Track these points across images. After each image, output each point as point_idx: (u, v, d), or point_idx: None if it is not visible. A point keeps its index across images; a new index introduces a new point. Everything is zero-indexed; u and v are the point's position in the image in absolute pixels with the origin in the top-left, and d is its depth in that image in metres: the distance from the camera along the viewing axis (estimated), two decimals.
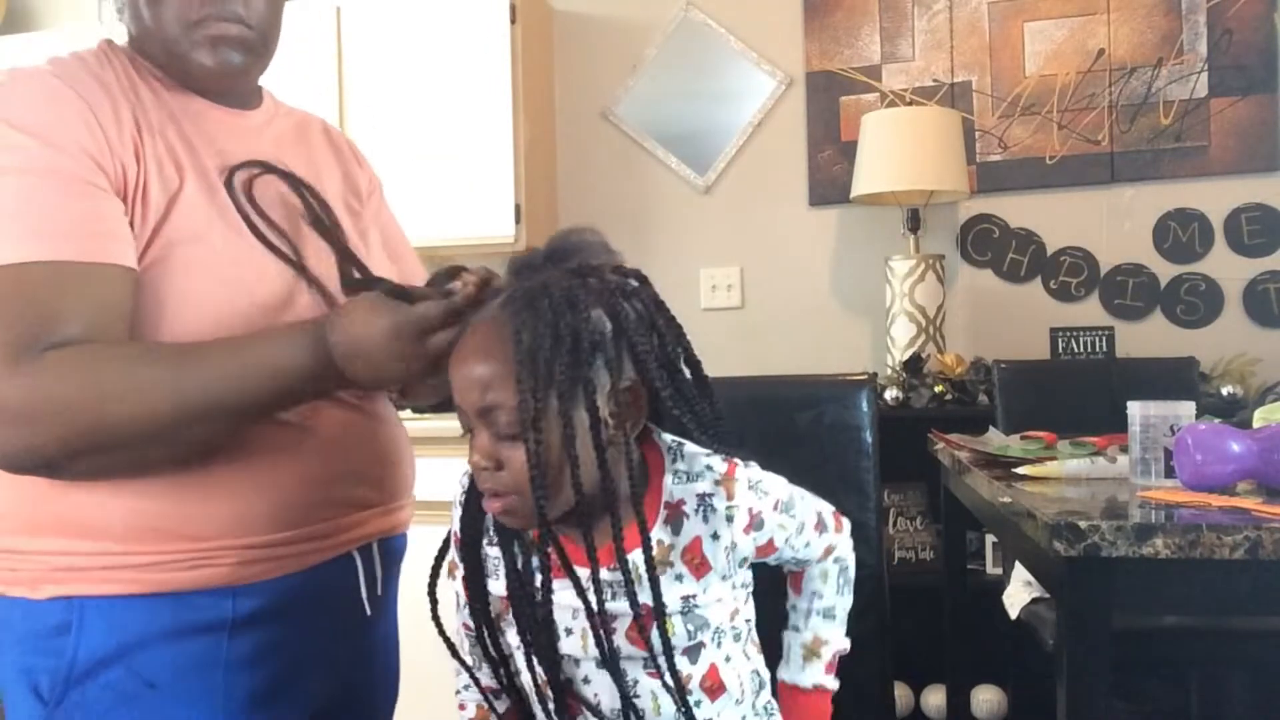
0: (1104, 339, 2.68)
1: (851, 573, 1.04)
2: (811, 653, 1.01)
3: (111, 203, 0.89)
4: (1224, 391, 2.44)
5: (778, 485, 0.94)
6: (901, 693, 2.56)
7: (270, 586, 0.96)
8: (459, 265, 0.94)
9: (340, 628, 1.05)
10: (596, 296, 0.83)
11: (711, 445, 0.92)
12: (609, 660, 0.86)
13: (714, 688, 0.91)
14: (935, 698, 2.57)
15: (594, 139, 3.15)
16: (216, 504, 0.93)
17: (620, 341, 0.84)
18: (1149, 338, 2.76)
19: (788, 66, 3.02)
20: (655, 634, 0.85)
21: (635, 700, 0.89)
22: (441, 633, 0.94)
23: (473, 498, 0.91)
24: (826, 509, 1.00)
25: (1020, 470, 1.39)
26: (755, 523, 0.90)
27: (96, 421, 0.84)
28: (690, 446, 0.91)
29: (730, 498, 0.88)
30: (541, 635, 0.87)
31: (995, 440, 1.61)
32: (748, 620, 0.95)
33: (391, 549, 1.12)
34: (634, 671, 0.89)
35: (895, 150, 2.64)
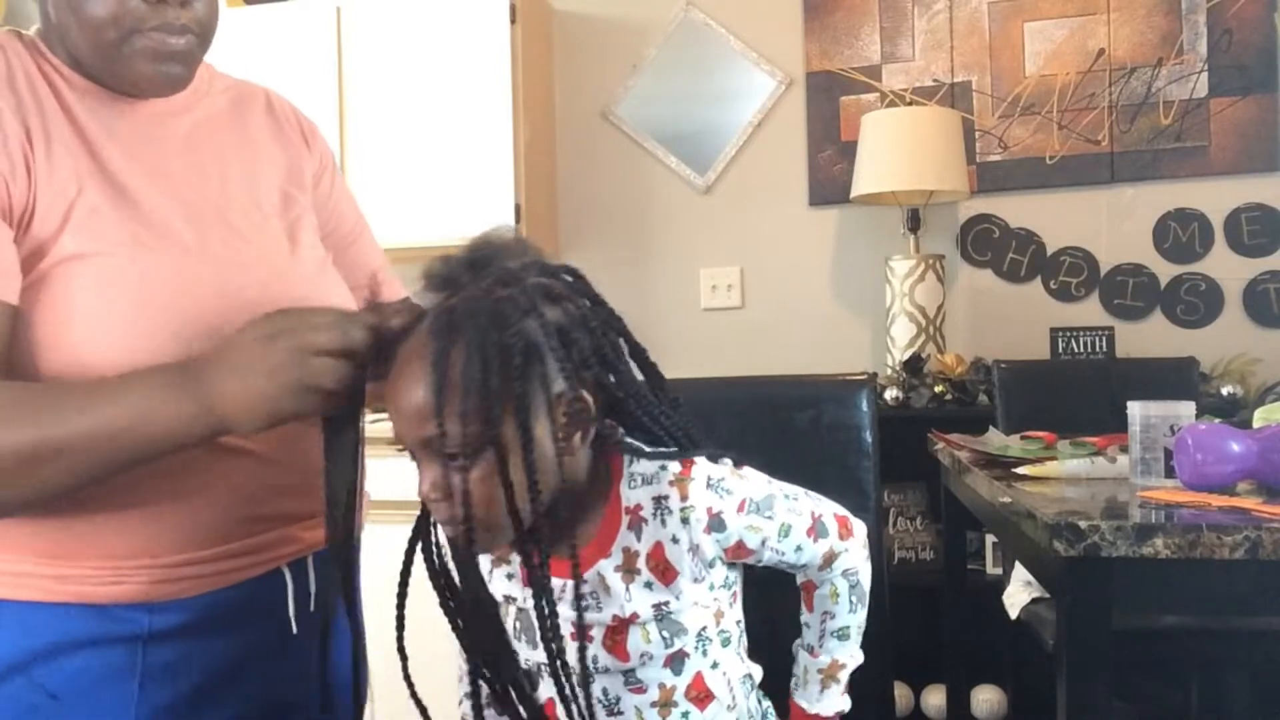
0: (1104, 339, 2.68)
1: (865, 586, 0.99)
2: (830, 678, 1.00)
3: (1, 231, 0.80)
4: (1224, 391, 2.44)
5: (749, 485, 0.89)
6: (901, 693, 2.56)
7: (191, 603, 0.90)
8: (379, 304, 0.85)
9: (267, 644, 0.98)
10: (521, 307, 0.79)
11: (671, 441, 0.88)
12: (582, 674, 0.84)
13: (702, 696, 0.89)
14: (935, 698, 2.57)
15: (594, 139, 3.15)
16: (132, 523, 0.87)
17: (555, 349, 0.79)
18: (1149, 338, 2.76)
19: (788, 66, 3.02)
20: (632, 640, 0.84)
21: (619, 717, 0.88)
22: (402, 649, 0.91)
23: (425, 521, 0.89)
24: (829, 512, 0.96)
25: (1020, 470, 1.39)
26: (715, 523, 0.86)
27: None
28: (649, 451, 0.88)
29: (684, 498, 0.85)
30: (553, 643, 0.83)
31: (995, 440, 1.61)
32: (738, 622, 0.93)
33: (330, 558, 1.02)
34: (614, 688, 0.88)
35: (895, 150, 2.63)
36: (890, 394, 2.52)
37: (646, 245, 3.10)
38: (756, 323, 3.03)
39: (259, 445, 0.92)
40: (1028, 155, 2.86)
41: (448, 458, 0.77)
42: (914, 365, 2.60)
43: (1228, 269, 2.75)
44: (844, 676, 1.00)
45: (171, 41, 0.90)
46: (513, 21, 2.85)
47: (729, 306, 3.06)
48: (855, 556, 0.97)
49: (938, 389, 2.54)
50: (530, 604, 0.84)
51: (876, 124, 2.69)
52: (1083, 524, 1.00)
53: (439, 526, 0.87)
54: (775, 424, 1.41)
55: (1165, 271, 2.79)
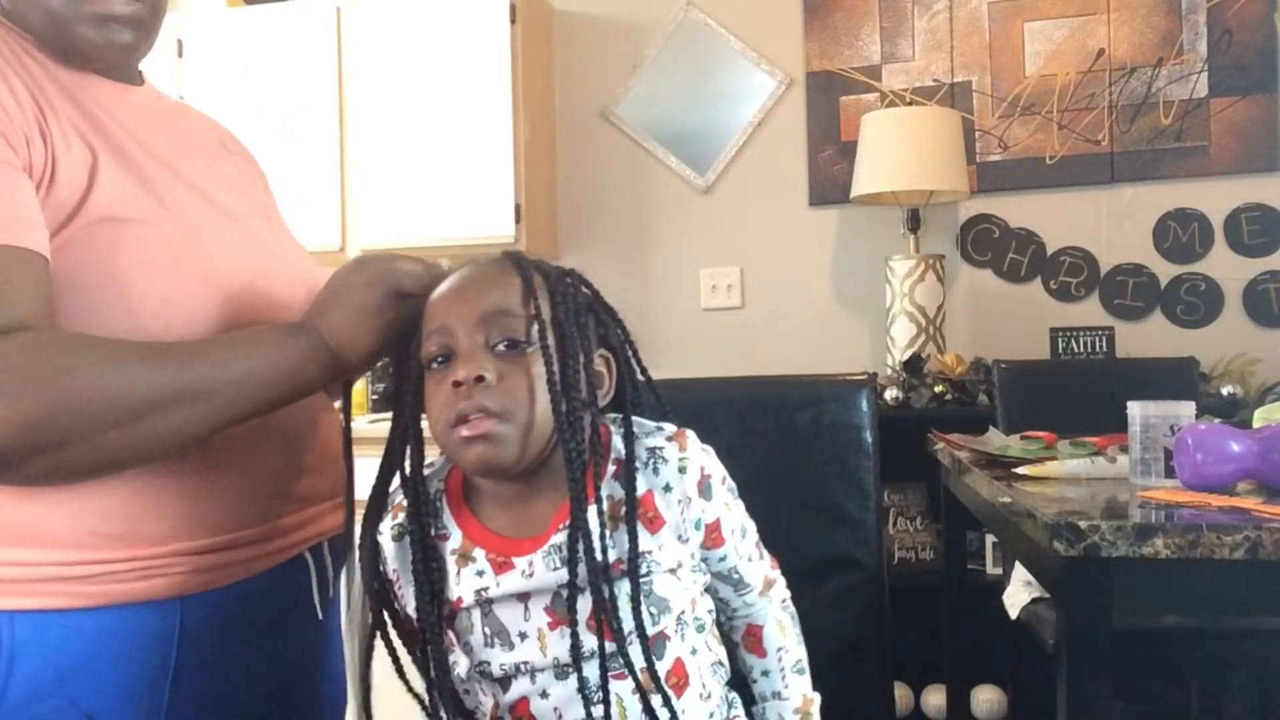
0: (1104, 339, 2.68)
1: (798, 621, 1.01)
2: (807, 716, 0.98)
3: (26, 184, 0.81)
4: (1224, 391, 2.44)
5: (721, 467, 0.91)
6: (901, 693, 2.56)
7: (220, 595, 0.89)
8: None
9: (291, 633, 0.99)
10: (574, 280, 0.89)
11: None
12: (573, 648, 0.83)
13: (679, 683, 0.88)
14: (935, 698, 2.57)
15: (594, 139, 3.15)
16: (167, 505, 0.86)
17: (601, 318, 0.90)
18: (1149, 338, 2.76)
19: (788, 66, 3.02)
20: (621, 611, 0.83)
21: (598, 709, 0.84)
22: (386, 636, 0.90)
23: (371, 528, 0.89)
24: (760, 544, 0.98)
25: (1020, 470, 1.39)
26: (705, 485, 0.87)
27: (66, 400, 0.75)
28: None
29: (683, 450, 0.87)
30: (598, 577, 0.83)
31: (995, 440, 1.61)
32: (710, 610, 0.93)
33: (339, 546, 1.06)
34: (595, 675, 0.84)
35: (895, 150, 2.64)
36: (890, 394, 2.52)
37: (646, 245, 3.10)
38: (756, 323, 3.03)
39: (282, 420, 0.93)
40: (1028, 155, 2.86)
41: (504, 337, 0.82)
42: (914, 365, 2.60)
43: (1228, 269, 2.75)
44: (815, 710, 0.98)
45: (117, 7, 0.91)
46: (513, 21, 2.85)
47: (729, 306, 3.06)
48: (785, 590, 1.00)
49: (938, 389, 2.54)
50: (500, 591, 0.84)
51: (876, 124, 2.69)
52: (1083, 524, 1.00)
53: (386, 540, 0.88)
54: (775, 424, 1.42)
55: (1165, 271, 2.79)
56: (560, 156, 3.17)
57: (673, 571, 0.87)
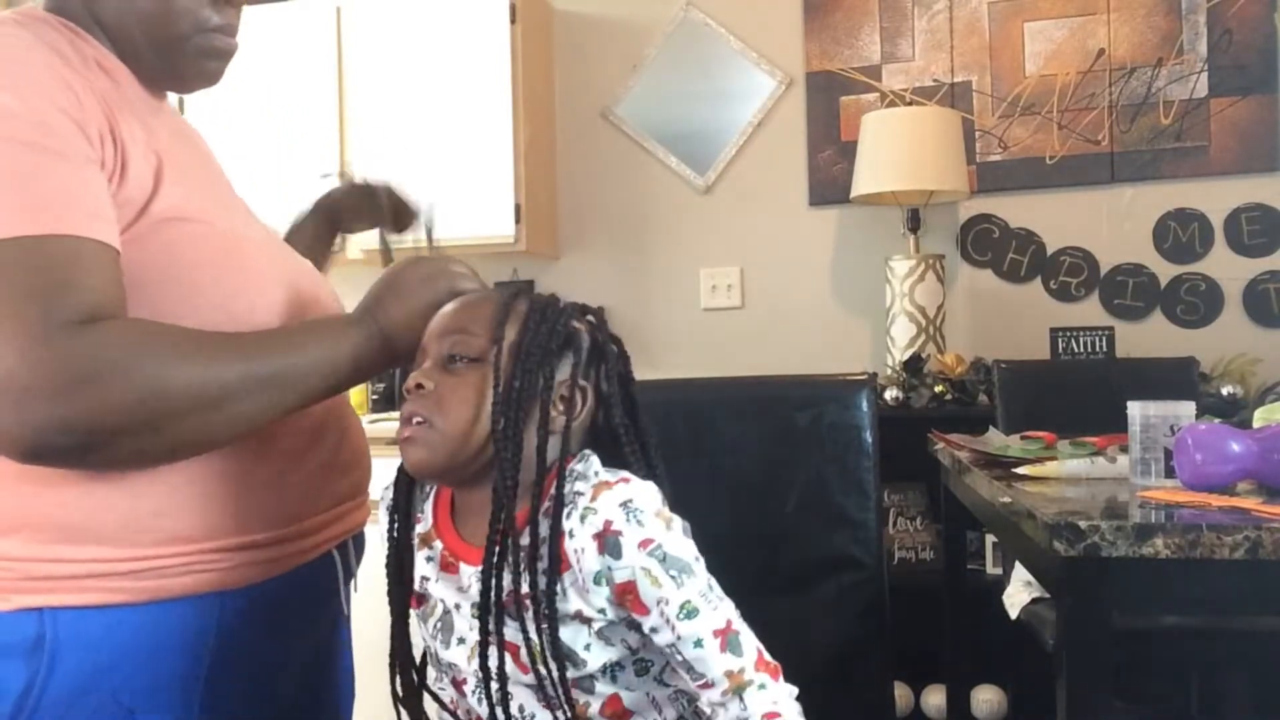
0: (1104, 339, 2.68)
1: None
2: None
3: (101, 179, 0.83)
4: (1224, 391, 2.44)
5: (668, 536, 0.83)
6: (901, 693, 2.56)
7: (255, 591, 0.92)
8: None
9: (318, 629, 1.03)
10: (569, 312, 0.91)
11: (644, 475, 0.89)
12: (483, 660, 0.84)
13: (619, 714, 0.87)
14: (935, 698, 2.57)
15: (594, 139, 3.15)
16: (214, 502, 0.88)
17: (594, 358, 0.91)
18: (1149, 338, 2.76)
19: (788, 66, 3.02)
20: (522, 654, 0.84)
21: None
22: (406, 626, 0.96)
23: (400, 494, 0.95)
24: (751, 640, 0.85)
25: (1020, 470, 1.39)
26: (609, 541, 0.81)
27: (154, 386, 0.77)
28: (600, 463, 0.89)
29: (593, 499, 0.83)
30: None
31: (995, 440, 1.61)
32: (669, 646, 0.86)
33: (360, 545, 1.10)
34: (530, 704, 0.86)
35: (895, 150, 2.64)
36: (890, 394, 2.52)
37: (646, 245, 3.10)
38: (756, 323, 3.03)
39: (316, 417, 0.97)
40: (1028, 155, 2.86)
41: (458, 352, 0.87)
42: (914, 365, 2.60)
43: (1228, 269, 2.75)
44: None
45: (228, 43, 0.98)
46: (513, 21, 2.85)
47: (729, 306, 3.06)
48: (780, 702, 0.83)
49: (938, 389, 2.54)
50: (435, 588, 0.90)
51: (876, 124, 2.69)
52: (1083, 524, 1.00)
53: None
54: (775, 424, 1.42)
55: (1165, 271, 2.79)
56: (560, 156, 3.17)
57: (581, 620, 0.84)
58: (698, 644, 0.83)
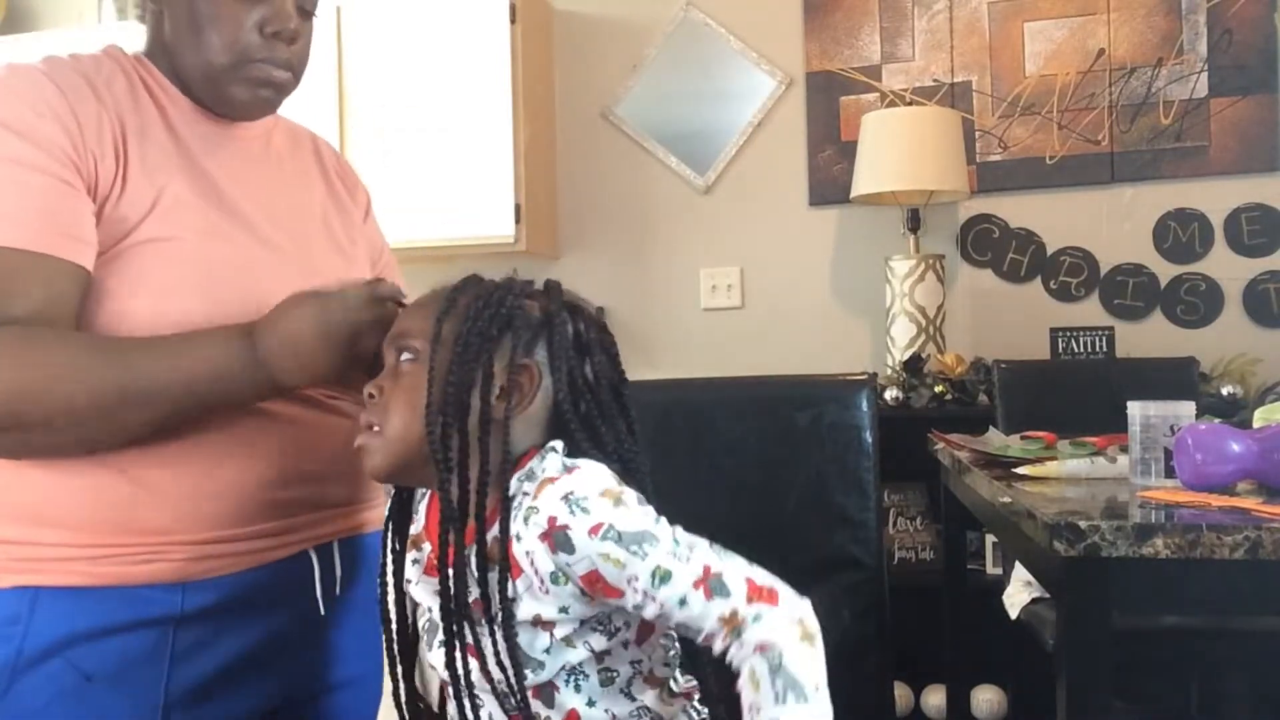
0: (1104, 339, 2.68)
1: (799, 673, 0.78)
2: None
3: (81, 201, 0.90)
4: (1224, 391, 2.44)
5: (619, 513, 0.80)
6: (901, 693, 2.56)
7: (221, 582, 0.97)
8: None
9: (292, 627, 1.04)
10: (543, 299, 0.90)
11: (611, 458, 0.88)
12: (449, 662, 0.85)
13: None
14: (935, 698, 2.57)
15: (594, 139, 3.15)
16: (170, 498, 0.93)
17: (540, 332, 0.88)
18: (1149, 338, 2.76)
19: (788, 66, 3.02)
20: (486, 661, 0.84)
21: None
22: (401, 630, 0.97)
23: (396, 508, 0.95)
24: (737, 572, 0.82)
25: (1020, 470, 1.39)
26: (558, 538, 0.79)
27: (21, 391, 0.85)
28: (560, 457, 0.86)
29: (535, 498, 0.81)
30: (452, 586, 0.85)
31: (995, 440, 1.61)
32: (635, 662, 0.88)
33: (357, 548, 1.11)
34: (498, 712, 0.86)
35: (895, 150, 2.64)
36: (890, 394, 2.52)
37: (646, 245, 3.10)
38: (756, 323, 3.03)
39: (296, 429, 1.00)
40: (1028, 155, 2.86)
41: (402, 353, 0.87)
42: (914, 365, 2.60)
43: (1228, 269, 2.75)
44: None
45: (275, 74, 1.02)
46: (513, 21, 2.85)
47: (729, 306, 3.05)
48: (775, 630, 0.80)
49: (938, 389, 2.54)
50: (415, 589, 0.90)
51: (876, 124, 2.69)
52: (1083, 524, 1.00)
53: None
54: (775, 424, 1.42)
55: (1165, 271, 2.79)
56: (560, 156, 3.17)
57: (540, 625, 0.83)
58: (682, 602, 0.80)
